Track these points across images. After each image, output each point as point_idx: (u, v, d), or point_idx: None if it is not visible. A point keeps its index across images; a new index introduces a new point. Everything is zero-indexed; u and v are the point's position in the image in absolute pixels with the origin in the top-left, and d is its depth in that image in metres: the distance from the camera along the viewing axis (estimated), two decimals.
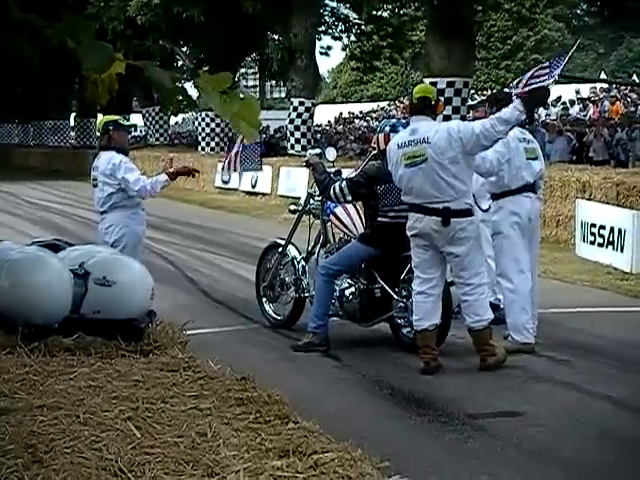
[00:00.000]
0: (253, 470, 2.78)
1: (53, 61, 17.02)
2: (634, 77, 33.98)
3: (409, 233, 6.91)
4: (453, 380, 6.71)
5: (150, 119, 36.25)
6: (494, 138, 6.67)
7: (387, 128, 7.63)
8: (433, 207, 6.75)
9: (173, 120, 45.01)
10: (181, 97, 2.39)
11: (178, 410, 3.35)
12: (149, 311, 4.57)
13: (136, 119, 36.21)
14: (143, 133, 38.88)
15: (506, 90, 13.38)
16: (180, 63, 34.77)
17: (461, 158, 6.72)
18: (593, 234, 12.36)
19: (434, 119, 7.02)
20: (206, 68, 27.34)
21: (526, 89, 7.59)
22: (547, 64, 9.00)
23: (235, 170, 9.82)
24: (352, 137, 29.78)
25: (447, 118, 15.65)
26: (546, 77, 8.28)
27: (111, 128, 7.71)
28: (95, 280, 4.38)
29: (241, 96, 2.35)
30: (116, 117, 8.04)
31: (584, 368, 6.97)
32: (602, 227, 12.13)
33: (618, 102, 24.48)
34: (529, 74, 8.32)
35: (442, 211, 6.72)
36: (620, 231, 11.70)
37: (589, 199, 13.38)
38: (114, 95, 2.63)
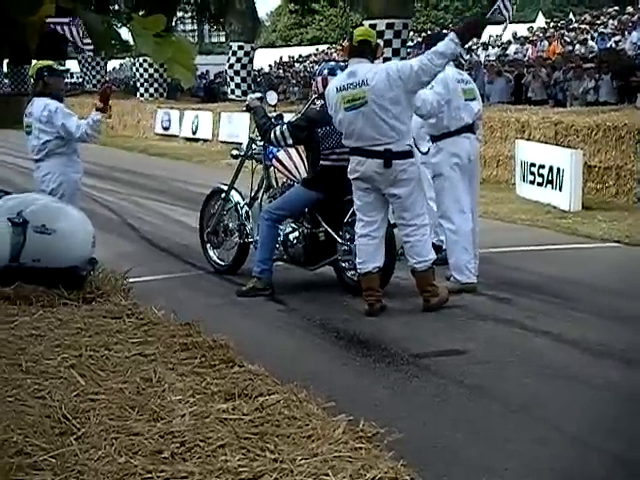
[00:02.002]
0: (199, 414, 2.79)
1: None
2: (570, 16, 33.99)
3: (351, 176, 6.91)
4: (397, 321, 6.78)
5: (86, 65, 35.48)
6: (433, 72, 6.65)
7: (325, 71, 7.60)
8: (374, 150, 6.75)
9: (110, 66, 44.15)
10: (114, 41, 2.35)
11: (122, 357, 3.34)
12: (90, 259, 4.54)
13: (72, 65, 35.41)
14: (80, 79, 38.08)
15: (445, 31, 13.27)
16: (117, 7, 33.99)
17: (403, 98, 6.71)
18: (533, 174, 12.51)
19: (372, 62, 6.99)
20: (142, 12, 26.78)
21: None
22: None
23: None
24: (294, 81, 29.50)
25: (387, 60, 15.58)
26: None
27: (45, 74, 7.57)
28: (34, 228, 4.33)
29: (175, 39, 2.31)
30: (50, 62, 7.87)
31: (524, 305, 7.09)
32: (541, 167, 12.27)
33: (555, 42, 24.55)
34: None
35: (383, 153, 6.73)
36: (559, 170, 11.85)
37: (528, 139, 13.51)
38: (46, 39, 2.57)
